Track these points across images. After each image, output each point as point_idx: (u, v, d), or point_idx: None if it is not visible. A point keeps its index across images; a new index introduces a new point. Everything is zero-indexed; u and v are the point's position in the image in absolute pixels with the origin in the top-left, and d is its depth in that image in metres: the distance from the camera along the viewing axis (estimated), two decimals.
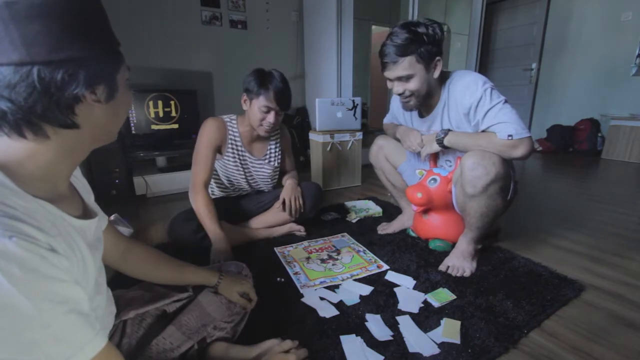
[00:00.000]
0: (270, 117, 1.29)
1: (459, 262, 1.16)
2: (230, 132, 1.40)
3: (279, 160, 1.54)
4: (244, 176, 1.46)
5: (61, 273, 0.37)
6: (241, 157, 1.43)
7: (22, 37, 0.36)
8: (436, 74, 1.13)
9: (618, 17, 3.39)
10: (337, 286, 1.08)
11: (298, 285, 1.09)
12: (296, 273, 1.17)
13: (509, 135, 1.02)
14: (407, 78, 1.12)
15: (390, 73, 1.13)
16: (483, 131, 1.10)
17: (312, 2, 3.04)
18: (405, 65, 1.09)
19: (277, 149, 1.52)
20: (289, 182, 1.48)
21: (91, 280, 0.48)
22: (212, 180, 1.49)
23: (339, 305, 0.98)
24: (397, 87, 1.15)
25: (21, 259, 0.34)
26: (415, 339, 0.84)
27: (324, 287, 1.08)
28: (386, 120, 1.55)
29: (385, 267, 1.21)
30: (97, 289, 0.52)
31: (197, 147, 1.33)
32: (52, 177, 0.44)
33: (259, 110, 1.28)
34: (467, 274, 1.14)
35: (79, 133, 0.43)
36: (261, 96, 1.26)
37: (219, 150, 1.39)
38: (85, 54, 0.40)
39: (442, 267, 1.18)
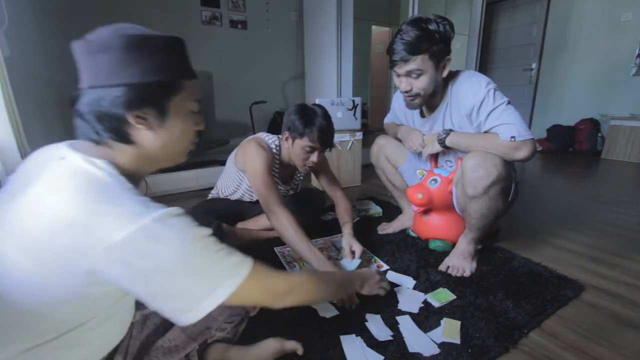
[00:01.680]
0: (314, 157, 1.26)
1: (459, 262, 1.16)
2: (274, 161, 1.35)
3: (300, 186, 1.57)
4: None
5: None
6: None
7: (92, 67, 0.48)
8: (444, 73, 1.12)
9: (618, 17, 3.39)
10: None
11: None
12: None
13: (512, 137, 1.01)
14: (417, 75, 1.08)
15: (399, 69, 1.09)
16: (486, 132, 1.09)
17: (312, 2, 3.04)
18: (417, 63, 1.06)
19: (301, 177, 1.55)
20: (348, 233, 1.32)
21: None
22: (233, 184, 1.46)
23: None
24: (405, 85, 1.11)
25: (183, 213, 0.47)
26: (415, 339, 0.84)
27: None
28: (387, 119, 1.55)
29: (385, 267, 1.21)
30: None
31: (254, 173, 1.22)
32: (134, 179, 0.53)
33: (302, 150, 1.24)
34: (467, 274, 1.14)
35: (139, 150, 0.53)
36: (305, 137, 1.22)
37: None
38: (132, 81, 0.48)
39: (442, 267, 1.18)
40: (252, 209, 1.51)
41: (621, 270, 1.19)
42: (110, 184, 0.46)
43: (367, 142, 2.23)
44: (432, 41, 1.04)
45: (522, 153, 1.02)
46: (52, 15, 2.02)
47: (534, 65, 4.02)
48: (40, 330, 0.44)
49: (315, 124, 1.21)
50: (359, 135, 2.37)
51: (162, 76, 0.50)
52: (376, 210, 1.79)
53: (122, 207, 0.43)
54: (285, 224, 1.10)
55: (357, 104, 2.33)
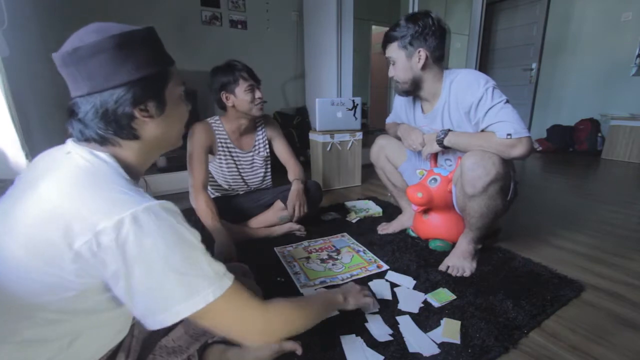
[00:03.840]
0: (257, 93, 1.39)
1: (459, 262, 1.16)
2: (217, 132, 1.44)
3: (268, 150, 1.58)
4: (238, 173, 1.50)
5: None
6: (233, 155, 1.48)
7: (86, 73, 0.48)
8: (419, 65, 1.15)
9: (618, 17, 3.39)
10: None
11: (298, 285, 1.09)
12: (296, 273, 1.17)
13: (508, 135, 1.02)
14: (393, 62, 1.20)
15: (386, 55, 1.22)
16: (483, 130, 1.09)
17: (312, 2, 3.04)
18: (389, 51, 1.19)
19: (264, 138, 1.57)
20: (295, 188, 1.47)
21: None
22: (209, 184, 1.50)
23: None
24: (390, 70, 1.22)
25: (176, 211, 0.49)
26: (415, 339, 0.84)
27: (324, 287, 1.07)
28: (389, 119, 1.55)
29: (385, 267, 1.21)
30: None
31: (189, 152, 1.37)
32: (135, 174, 0.57)
33: (245, 93, 1.36)
34: (467, 274, 1.14)
35: (142, 142, 0.55)
36: (240, 80, 1.35)
37: (210, 151, 1.43)
38: (132, 78, 0.49)
39: (442, 267, 1.18)
40: (251, 206, 1.52)
41: (621, 270, 1.19)
42: (110, 174, 0.48)
43: (367, 142, 2.22)
44: (402, 32, 1.14)
45: (518, 150, 1.03)
46: (52, 15, 2.02)
47: (534, 65, 4.02)
48: (39, 319, 0.44)
49: (238, 68, 1.36)
50: (359, 135, 2.37)
51: (154, 68, 0.53)
52: (376, 210, 1.79)
53: (117, 194, 0.45)
54: (203, 208, 1.28)
55: (357, 104, 2.33)
